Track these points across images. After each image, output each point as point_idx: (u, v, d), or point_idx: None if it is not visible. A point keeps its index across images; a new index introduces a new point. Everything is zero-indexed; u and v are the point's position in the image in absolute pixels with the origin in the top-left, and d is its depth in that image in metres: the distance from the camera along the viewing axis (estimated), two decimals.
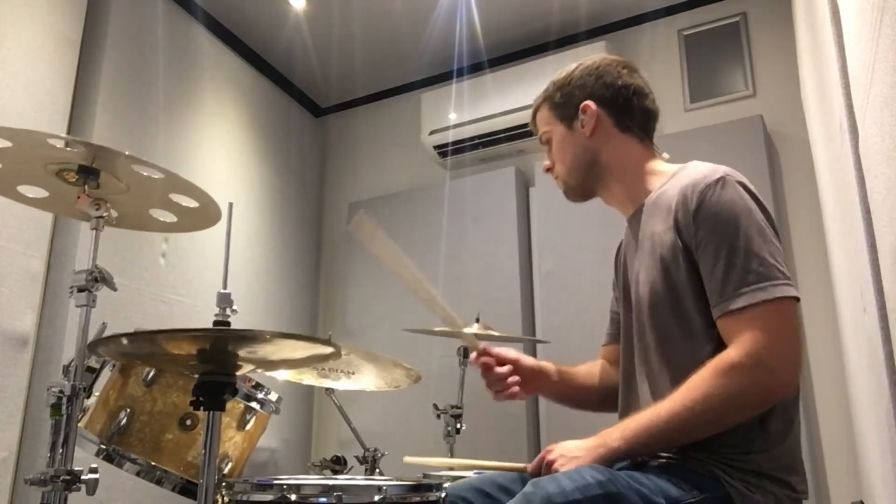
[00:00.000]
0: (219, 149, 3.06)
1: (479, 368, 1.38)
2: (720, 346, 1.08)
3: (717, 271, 1.07)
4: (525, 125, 3.02)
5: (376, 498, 1.36)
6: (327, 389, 2.20)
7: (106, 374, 1.64)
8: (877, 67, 0.82)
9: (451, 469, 1.78)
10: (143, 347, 1.27)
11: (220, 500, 1.47)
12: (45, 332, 2.24)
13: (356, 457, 2.09)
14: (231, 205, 1.50)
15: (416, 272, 1.24)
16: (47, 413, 1.41)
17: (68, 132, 2.39)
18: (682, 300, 1.12)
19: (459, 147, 3.27)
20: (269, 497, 1.38)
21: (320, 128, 3.89)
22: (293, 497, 1.35)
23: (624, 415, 1.27)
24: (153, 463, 1.60)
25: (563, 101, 1.35)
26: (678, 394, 1.05)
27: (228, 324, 1.37)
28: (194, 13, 2.97)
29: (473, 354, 1.39)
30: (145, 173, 1.49)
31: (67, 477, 1.36)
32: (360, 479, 1.61)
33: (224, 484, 1.48)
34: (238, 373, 1.29)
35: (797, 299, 1.05)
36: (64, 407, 1.41)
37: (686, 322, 1.12)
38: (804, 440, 1.18)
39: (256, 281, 3.17)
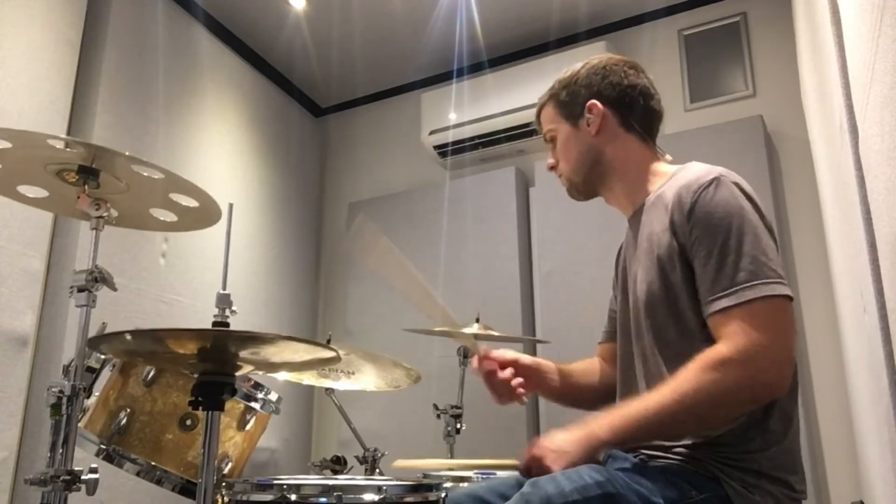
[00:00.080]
0: (219, 149, 3.06)
1: (482, 375, 1.37)
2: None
3: (709, 270, 1.07)
4: (525, 125, 3.02)
5: (376, 498, 1.36)
6: (327, 389, 2.20)
7: (106, 374, 1.64)
8: (877, 67, 0.82)
9: (450, 469, 1.78)
10: (145, 345, 1.27)
11: (219, 500, 1.47)
12: (45, 332, 2.24)
13: (356, 457, 2.09)
14: (231, 205, 1.50)
15: (419, 278, 1.24)
16: (47, 413, 1.41)
17: (68, 132, 2.39)
18: (678, 300, 1.12)
19: (459, 147, 3.27)
20: (269, 497, 1.38)
21: (320, 128, 3.89)
22: (293, 497, 1.35)
23: None
24: (153, 463, 1.60)
25: (568, 99, 1.35)
26: (667, 387, 1.05)
27: (227, 325, 1.37)
28: (194, 13, 2.97)
29: (475, 360, 1.38)
30: (145, 173, 1.49)
31: (67, 477, 1.36)
32: (360, 479, 1.61)
33: (224, 484, 1.48)
34: (238, 373, 1.29)
35: (790, 298, 1.04)
36: (64, 407, 1.41)
37: (683, 322, 1.12)
38: (804, 440, 1.18)
39: (256, 281, 3.17)
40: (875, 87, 0.84)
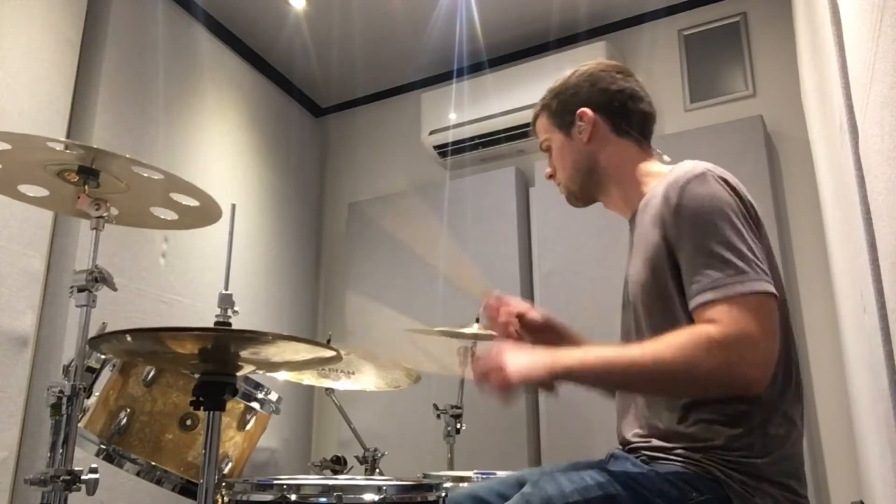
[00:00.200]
0: (219, 149, 3.06)
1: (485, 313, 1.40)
2: None
3: (694, 265, 1.06)
4: (525, 125, 3.02)
5: (376, 498, 1.36)
6: (327, 389, 2.20)
7: (106, 374, 1.64)
8: (877, 67, 0.82)
9: None
10: (146, 345, 1.27)
11: (220, 500, 1.47)
12: (45, 332, 2.24)
13: (356, 457, 2.09)
14: (234, 206, 1.50)
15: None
16: (47, 413, 1.42)
17: (68, 132, 2.39)
18: (670, 298, 1.12)
19: (459, 147, 3.27)
20: (269, 497, 1.38)
21: (320, 128, 3.89)
22: (293, 497, 1.35)
23: (622, 414, 1.26)
24: (153, 463, 1.60)
25: (559, 108, 1.37)
26: (648, 346, 1.03)
27: (229, 324, 1.37)
28: (194, 13, 2.97)
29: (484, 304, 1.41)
30: (145, 174, 1.49)
31: (67, 477, 1.36)
32: (360, 479, 1.61)
33: (224, 484, 1.48)
34: (238, 373, 1.29)
35: (774, 296, 1.03)
36: (64, 407, 1.41)
37: (676, 321, 1.11)
38: (804, 440, 1.17)
39: (256, 281, 3.17)
40: (875, 87, 0.85)
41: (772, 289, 1.02)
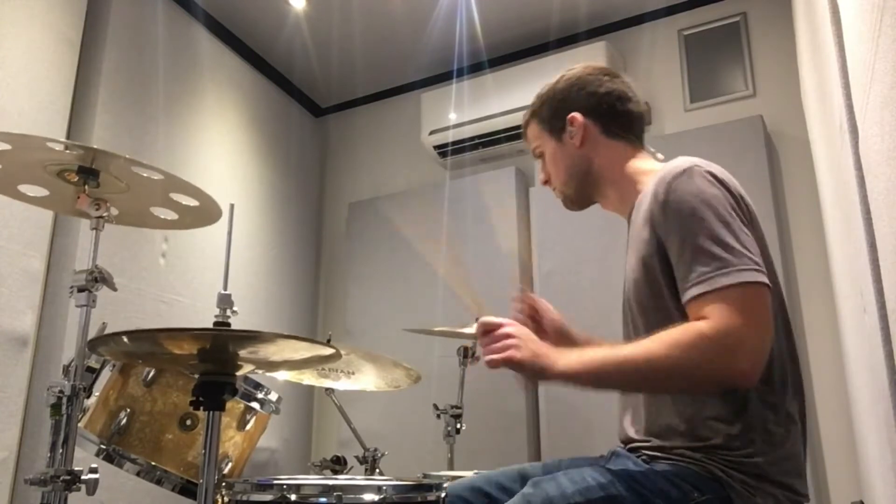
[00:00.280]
0: (219, 149, 3.06)
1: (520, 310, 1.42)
2: None
3: (683, 259, 1.06)
4: None
5: (376, 498, 1.36)
6: (327, 389, 2.20)
7: (106, 374, 1.64)
8: (877, 67, 0.82)
9: None
10: (144, 346, 1.27)
11: (220, 500, 1.47)
12: (45, 332, 2.24)
13: (356, 457, 2.09)
14: (232, 206, 1.50)
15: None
16: (47, 413, 1.42)
17: (68, 132, 2.39)
18: (662, 295, 1.12)
19: (459, 147, 3.27)
20: (269, 497, 1.38)
21: (320, 128, 3.89)
22: (293, 497, 1.35)
23: (623, 412, 1.26)
24: (153, 463, 1.60)
25: (549, 114, 1.38)
26: (642, 344, 1.03)
27: (229, 324, 1.37)
28: (194, 13, 2.97)
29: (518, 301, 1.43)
30: (145, 174, 1.49)
31: (67, 477, 1.36)
32: (360, 479, 1.61)
33: (224, 484, 1.48)
34: (238, 373, 1.29)
35: (766, 286, 1.02)
36: (64, 407, 1.41)
37: (669, 317, 1.11)
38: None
39: (256, 281, 3.17)
40: (875, 87, 0.85)
41: (762, 278, 1.01)
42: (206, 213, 1.63)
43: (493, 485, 1.23)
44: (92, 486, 1.38)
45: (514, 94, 3.06)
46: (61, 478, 1.35)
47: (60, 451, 1.39)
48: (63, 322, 2.23)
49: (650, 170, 1.28)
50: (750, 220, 1.10)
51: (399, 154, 3.64)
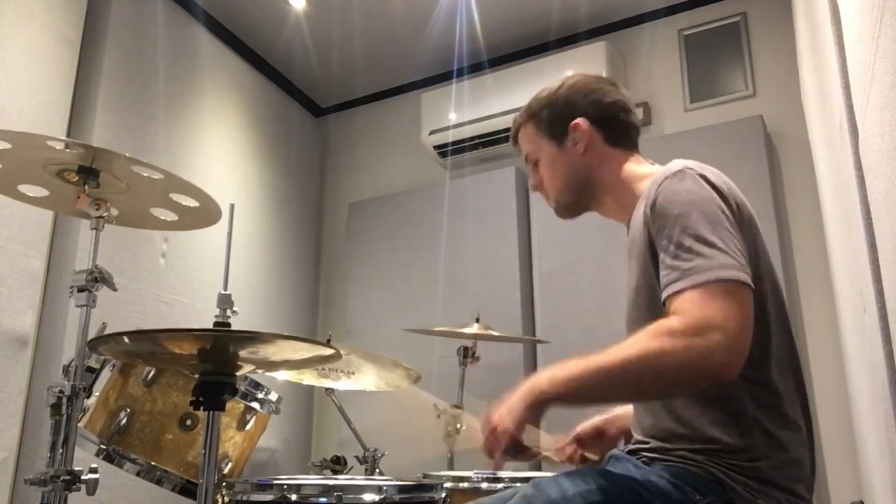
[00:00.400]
0: (219, 149, 3.06)
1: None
2: None
3: (667, 257, 1.05)
4: None
5: (376, 498, 1.36)
6: (327, 389, 2.20)
7: (106, 374, 1.64)
8: (877, 67, 0.82)
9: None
10: (144, 346, 1.27)
11: (220, 499, 1.47)
12: (45, 332, 2.24)
13: (356, 457, 2.09)
14: (232, 206, 1.50)
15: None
16: (47, 413, 1.42)
17: (68, 132, 2.40)
18: (657, 299, 1.11)
19: (459, 147, 3.27)
20: (269, 497, 1.38)
21: (320, 128, 3.89)
22: (293, 497, 1.35)
23: (636, 407, 1.25)
24: (153, 463, 1.60)
25: (551, 119, 1.35)
26: (614, 350, 1.01)
27: (229, 325, 1.37)
28: (194, 13, 2.97)
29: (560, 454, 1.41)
30: (145, 174, 1.49)
31: (67, 477, 1.36)
32: (360, 479, 1.61)
33: (224, 484, 1.48)
34: (238, 373, 1.29)
35: (749, 286, 1.01)
36: (64, 407, 1.41)
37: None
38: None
39: (256, 281, 3.17)
40: (875, 87, 0.85)
41: (743, 277, 1.00)
42: (205, 213, 1.63)
43: None
44: (92, 486, 1.38)
45: (514, 94, 3.06)
46: (61, 478, 1.35)
47: (60, 451, 1.39)
48: (63, 322, 2.23)
49: (648, 174, 1.28)
50: (743, 224, 1.10)
51: (399, 154, 3.64)
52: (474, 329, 2.17)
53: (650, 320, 1.10)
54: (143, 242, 2.54)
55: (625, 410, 1.40)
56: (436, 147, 3.31)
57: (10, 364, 2.10)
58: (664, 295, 1.03)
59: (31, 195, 1.60)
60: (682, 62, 3.03)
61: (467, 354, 2.26)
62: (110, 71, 2.53)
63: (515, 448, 1.06)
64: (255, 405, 1.76)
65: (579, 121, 1.32)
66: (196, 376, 1.24)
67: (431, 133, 3.27)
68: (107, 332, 1.40)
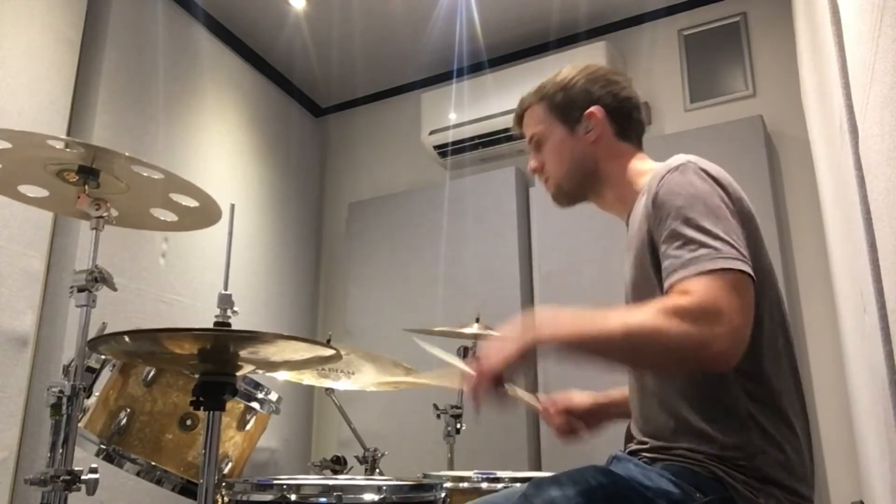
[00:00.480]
0: (219, 149, 3.06)
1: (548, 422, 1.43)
2: None
3: (668, 248, 1.05)
4: None
5: (376, 498, 1.36)
6: (327, 389, 2.20)
7: (106, 374, 1.64)
8: (877, 67, 0.82)
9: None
10: (145, 346, 1.27)
11: (220, 500, 1.47)
12: (45, 332, 2.24)
13: (356, 457, 2.09)
14: (233, 206, 1.50)
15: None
16: (47, 413, 1.41)
17: (68, 132, 2.40)
18: (656, 291, 1.11)
19: (459, 147, 3.27)
20: (269, 497, 1.38)
21: (320, 128, 3.89)
22: (293, 497, 1.36)
23: (634, 407, 1.25)
24: (153, 463, 1.60)
25: (565, 103, 1.34)
26: (620, 315, 1.01)
27: (229, 324, 1.37)
28: (194, 13, 2.97)
29: (542, 413, 1.43)
30: (145, 174, 1.49)
31: (67, 477, 1.36)
32: (360, 479, 1.61)
33: (224, 484, 1.48)
34: (238, 373, 1.29)
35: (751, 277, 1.01)
36: (64, 407, 1.41)
37: None
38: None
39: (256, 281, 3.17)
40: (875, 87, 0.85)
41: (746, 268, 1.00)
42: (205, 214, 1.63)
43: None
44: (92, 486, 1.38)
45: (514, 94, 3.02)
46: (61, 478, 1.35)
47: (60, 451, 1.39)
48: (63, 322, 2.23)
49: (648, 169, 1.28)
50: (744, 218, 1.10)
51: (399, 154, 3.64)
52: (474, 329, 2.17)
53: None
54: (143, 242, 2.54)
55: (622, 395, 1.40)
56: (436, 147, 3.31)
57: (10, 364, 2.10)
58: (668, 282, 1.03)
59: (31, 195, 1.60)
60: (682, 62, 3.03)
61: (467, 354, 2.26)
62: (110, 71, 2.53)
63: (496, 386, 1.05)
64: (255, 405, 1.76)
65: (595, 109, 1.31)
66: (196, 376, 1.24)
67: (431, 133, 3.27)
68: (107, 331, 1.40)
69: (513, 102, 1.27)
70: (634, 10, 3.11)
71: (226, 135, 3.11)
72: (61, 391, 1.41)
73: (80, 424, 1.50)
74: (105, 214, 1.51)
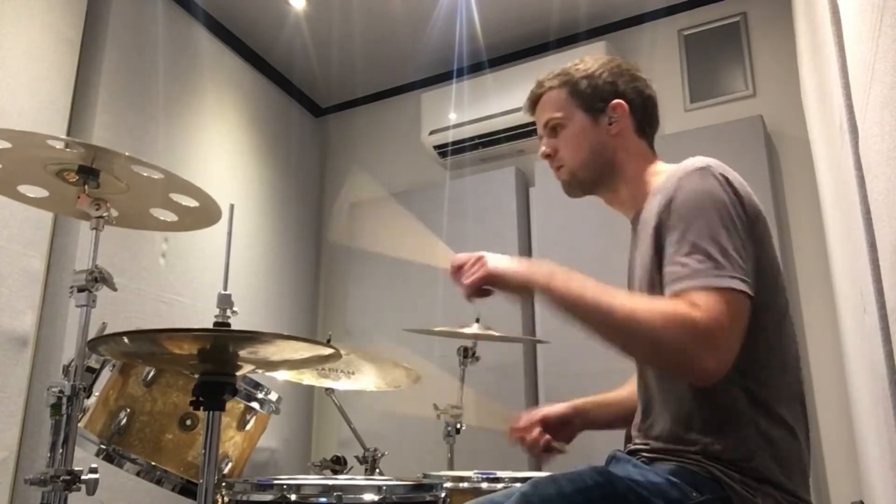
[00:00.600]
0: (219, 149, 3.06)
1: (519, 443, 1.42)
2: None
3: (676, 253, 1.05)
4: (525, 125, 3.02)
5: (376, 498, 1.36)
6: (327, 389, 2.20)
7: (106, 374, 1.64)
8: (877, 67, 0.82)
9: None
10: (144, 346, 1.27)
11: (220, 499, 1.47)
12: (45, 332, 2.24)
13: (356, 457, 2.09)
14: (232, 206, 1.50)
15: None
16: (47, 413, 1.42)
17: (68, 132, 2.40)
18: (660, 292, 1.11)
19: (459, 147, 3.27)
20: (269, 497, 1.38)
21: (320, 128, 3.89)
22: (293, 497, 1.36)
23: (638, 407, 1.25)
24: (153, 463, 1.60)
25: (590, 91, 1.31)
26: (626, 296, 1.03)
27: (229, 325, 1.37)
28: (194, 13, 2.97)
29: (511, 432, 1.42)
30: (145, 173, 1.49)
31: (67, 477, 1.36)
32: (360, 479, 1.61)
33: (224, 484, 1.48)
34: (238, 373, 1.29)
35: (748, 296, 1.02)
36: (64, 407, 1.41)
37: None
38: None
39: (256, 281, 3.17)
40: (875, 87, 0.85)
41: (747, 289, 1.01)
42: (205, 214, 1.63)
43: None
44: (92, 486, 1.38)
45: (514, 94, 3.06)
46: (61, 478, 1.35)
47: (60, 451, 1.39)
48: (63, 322, 2.23)
49: (662, 170, 1.28)
50: (753, 229, 1.09)
51: (399, 154, 3.64)
52: (474, 329, 2.17)
53: None
54: (143, 242, 2.54)
55: (593, 403, 1.42)
56: (436, 147, 3.31)
57: (10, 364, 2.10)
58: (673, 287, 1.03)
59: (31, 195, 1.60)
60: (682, 62, 3.03)
61: (467, 354, 2.26)
62: (110, 71, 2.53)
63: (479, 286, 1.12)
64: (255, 405, 1.76)
65: (620, 101, 1.31)
66: (196, 376, 1.24)
67: (431, 133, 3.27)
68: (107, 332, 1.40)
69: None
70: (634, 9, 3.11)
71: (226, 135, 3.11)
72: (61, 391, 1.42)
73: (80, 424, 1.50)
74: (105, 214, 1.51)
